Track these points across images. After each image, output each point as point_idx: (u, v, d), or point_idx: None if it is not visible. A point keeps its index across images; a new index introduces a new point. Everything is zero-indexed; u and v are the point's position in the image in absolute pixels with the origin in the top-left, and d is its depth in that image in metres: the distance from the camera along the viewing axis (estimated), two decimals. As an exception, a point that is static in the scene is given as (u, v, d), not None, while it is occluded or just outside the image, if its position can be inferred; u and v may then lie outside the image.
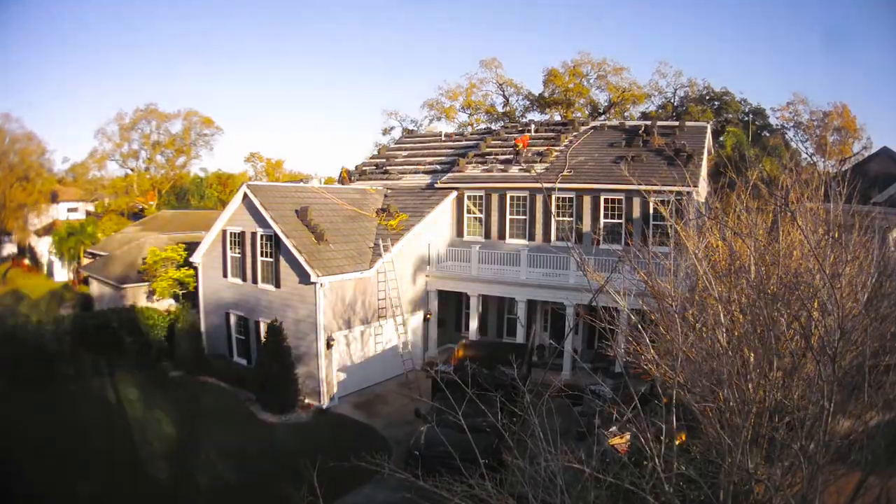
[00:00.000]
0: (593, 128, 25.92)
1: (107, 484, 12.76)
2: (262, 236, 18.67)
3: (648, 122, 25.95)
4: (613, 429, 12.23)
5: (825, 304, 5.29)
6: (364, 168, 28.70)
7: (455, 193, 22.92)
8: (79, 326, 19.70)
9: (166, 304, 25.66)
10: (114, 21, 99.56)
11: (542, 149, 23.53)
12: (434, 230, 21.96)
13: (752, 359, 5.78)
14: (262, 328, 18.20)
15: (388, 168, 27.43)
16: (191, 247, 25.80)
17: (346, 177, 25.97)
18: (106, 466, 13.52)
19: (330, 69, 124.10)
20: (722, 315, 6.33)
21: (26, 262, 48.78)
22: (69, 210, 52.22)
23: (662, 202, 16.29)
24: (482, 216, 22.66)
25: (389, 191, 24.26)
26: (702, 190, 19.16)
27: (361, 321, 18.64)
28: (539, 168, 22.04)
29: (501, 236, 22.22)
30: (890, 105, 74.36)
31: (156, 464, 13.74)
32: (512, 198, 21.99)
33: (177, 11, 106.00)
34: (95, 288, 31.57)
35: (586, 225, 20.25)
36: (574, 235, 20.02)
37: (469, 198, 22.90)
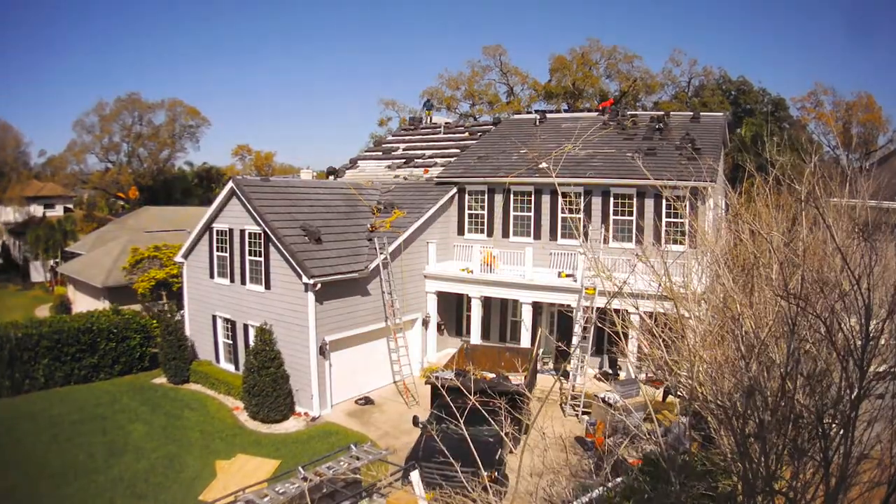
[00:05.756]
0: (603, 119, 25.89)
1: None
2: (250, 234, 18.66)
3: (662, 113, 25.93)
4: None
5: (851, 306, 5.27)
6: (360, 162, 28.71)
7: (455, 189, 22.90)
8: (55, 330, 19.65)
9: (149, 306, 25.65)
10: (95, 4, 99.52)
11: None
12: (433, 227, 21.93)
13: (772, 364, 5.76)
14: (251, 332, 18.20)
15: (384, 161, 27.42)
16: (175, 245, 25.80)
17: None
18: (77, 481, 13.51)
19: (324, 57, 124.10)
20: (741, 318, 6.31)
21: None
22: (46, 206, 52.20)
23: (677, 198, 16.26)
24: (484, 213, 22.64)
25: (386, 186, 24.24)
26: (719, 185, 19.14)
27: (356, 324, 18.62)
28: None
29: (505, 234, 22.20)
30: (918, 95, 74.20)
31: (125, 480, 13.72)
32: (516, 193, 21.95)
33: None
34: (74, 289, 31.58)
35: (596, 222, 20.22)
36: (582, 233, 20.00)
37: (470, 193, 22.87)
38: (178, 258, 21.83)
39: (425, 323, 21.62)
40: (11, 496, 12.77)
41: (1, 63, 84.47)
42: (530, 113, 31.51)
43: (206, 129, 63.61)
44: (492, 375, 15.01)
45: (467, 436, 6.25)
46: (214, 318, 20.40)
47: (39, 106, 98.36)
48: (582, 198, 20.69)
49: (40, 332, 19.33)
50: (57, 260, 39.67)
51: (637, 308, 8.08)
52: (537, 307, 20.64)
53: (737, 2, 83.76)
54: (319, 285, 16.91)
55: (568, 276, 19.21)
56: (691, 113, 25.30)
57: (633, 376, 16.67)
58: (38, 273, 43.69)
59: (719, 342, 6.56)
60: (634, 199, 19.93)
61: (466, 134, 28.52)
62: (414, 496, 10.89)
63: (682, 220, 17.68)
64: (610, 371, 19.56)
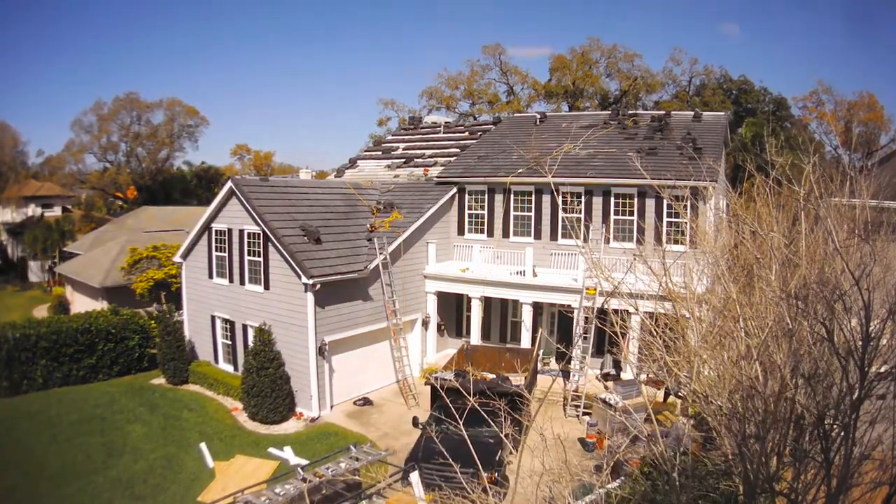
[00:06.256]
0: (603, 119, 25.90)
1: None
2: (249, 234, 18.67)
3: (662, 112, 25.94)
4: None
5: (851, 306, 5.28)
6: (359, 161, 28.72)
7: (455, 188, 22.91)
8: (54, 331, 19.64)
9: (150, 311, 25.65)
10: (93, 3, 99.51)
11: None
12: (433, 228, 21.94)
13: (772, 365, 5.77)
14: (250, 333, 18.20)
15: (384, 161, 27.43)
16: (174, 245, 25.81)
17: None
18: (76, 482, 13.51)
19: (323, 56, 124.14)
20: (741, 318, 6.33)
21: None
22: (44, 206, 52.19)
23: (677, 198, 16.30)
24: (485, 213, 22.64)
25: (385, 185, 24.25)
26: (720, 185, 19.16)
27: (356, 325, 18.63)
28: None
29: (505, 234, 22.21)
30: (920, 94, 74.12)
31: (124, 481, 13.72)
32: (516, 193, 21.97)
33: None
34: (72, 290, 31.59)
35: (596, 222, 20.24)
36: (583, 233, 20.01)
37: (470, 193, 22.88)
38: (177, 258, 21.83)
39: (425, 323, 21.63)
40: (10, 497, 12.78)
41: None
42: (531, 112, 31.46)
43: (205, 128, 63.77)
44: (492, 376, 15.03)
45: (466, 437, 6.27)
46: (213, 318, 20.40)
47: (37, 105, 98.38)
48: (583, 198, 20.70)
49: (38, 332, 19.33)
50: (55, 260, 39.68)
51: (637, 309, 8.09)
52: (538, 307, 20.65)
53: (737, 0, 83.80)
54: (319, 286, 16.91)
55: (568, 276, 19.22)
56: (692, 112, 25.30)
57: (634, 377, 16.69)
58: (36, 273, 43.70)
59: (720, 343, 6.58)
60: (635, 199, 19.95)
61: (466, 133, 28.53)
62: (414, 498, 10.90)
63: (682, 221, 17.68)
64: (613, 372, 19.57)
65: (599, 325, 10.28)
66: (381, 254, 18.98)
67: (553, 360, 21.28)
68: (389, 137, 32.95)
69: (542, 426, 6.14)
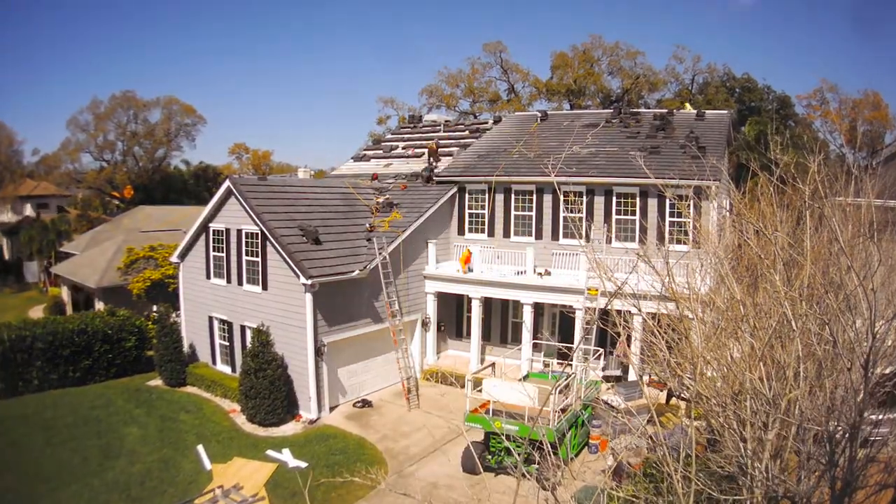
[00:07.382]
0: (605, 117, 25.89)
1: None
2: (247, 234, 18.67)
3: (665, 111, 25.94)
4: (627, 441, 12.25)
5: (856, 307, 5.28)
6: (359, 161, 28.72)
7: (456, 188, 22.91)
8: (50, 332, 19.64)
9: (145, 308, 25.66)
10: (89, 1, 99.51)
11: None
12: (433, 227, 21.94)
13: (777, 366, 5.77)
14: (248, 334, 18.20)
15: (384, 159, 27.42)
16: (171, 245, 25.81)
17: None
18: (72, 484, 13.52)
19: (322, 54, 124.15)
20: (745, 319, 6.32)
21: None
22: (40, 206, 52.18)
23: (680, 197, 16.28)
24: (485, 212, 22.64)
25: (385, 185, 24.23)
26: (723, 184, 19.14)
27: (355, 326, 18.64)
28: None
29: (506, 234, 22.20)
30: (926, 92, 74.10)
31: (120, 484, 13.73)
32: (517, 192, 21.97)
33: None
34: (68, 290, 31.60)
35: (598, 222, 20.23)
36: (585, 233, 20.00)
37: (471, 192, 22.88)
38: (174, 258, 21.83)
39: (425, 324, 21.62)
40: (6, 499, 12.79)
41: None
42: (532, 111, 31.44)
43: (203, 127, 63.80)
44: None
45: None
46: (211, 319, 20.40)
47: (33, 104, 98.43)
48: (584, 197, 20.69)
49: (34, 333, 19.32)
50: (51, 260, 39.69)
51: (640, 309, 8.08)
52: (539, 308, 20.63)
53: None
54: (317, 286, 16.90)
55: (570, 276, 19.17)
56: (696, 111, 25.30)
57: (637, 378, 16.67)
58: (32, 274, 43.73)
59: (723, 344, 6.58)
60: (637, 199, 19.93)
61: (466, 132, 28.52)
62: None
63: (686, 220, 17.68)
64: (618, 373, 19.55)
65: (601, 325, 10.27)
66: (380, 254, 18.96)
67: (554, 361, 21.24)
68: (389, 136, 32.93)
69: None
